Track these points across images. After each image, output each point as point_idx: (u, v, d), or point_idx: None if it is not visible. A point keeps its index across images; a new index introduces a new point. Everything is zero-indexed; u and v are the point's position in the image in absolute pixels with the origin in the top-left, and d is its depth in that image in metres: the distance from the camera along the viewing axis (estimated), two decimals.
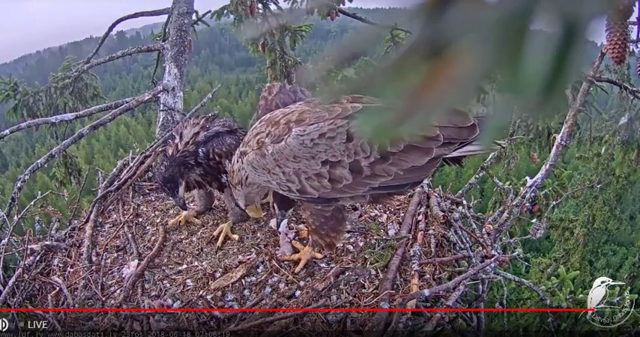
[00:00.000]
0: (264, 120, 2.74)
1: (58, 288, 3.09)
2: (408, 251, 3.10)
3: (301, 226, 3.45)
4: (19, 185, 3.91)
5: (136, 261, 3.25)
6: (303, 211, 3.01)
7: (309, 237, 3.02)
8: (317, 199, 2.63)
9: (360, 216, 3.61)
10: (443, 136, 2.41)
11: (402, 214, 3.57)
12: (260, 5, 6.29)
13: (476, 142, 2.50)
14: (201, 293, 2.96)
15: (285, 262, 3.14)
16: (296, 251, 3.19)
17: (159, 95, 5.00)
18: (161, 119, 4.92)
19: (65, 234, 3.62)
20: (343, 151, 2.42)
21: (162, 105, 4.94)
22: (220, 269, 3.14)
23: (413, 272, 2.89)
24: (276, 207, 2.99)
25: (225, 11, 6.31)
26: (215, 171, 3.28)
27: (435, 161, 2.47)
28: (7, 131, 4.39)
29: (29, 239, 3.33)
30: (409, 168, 2.43)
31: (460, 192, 4.00)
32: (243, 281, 3.03)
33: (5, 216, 3.68)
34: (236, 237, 3.44)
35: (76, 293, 3.03)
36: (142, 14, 5.89)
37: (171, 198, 3.37)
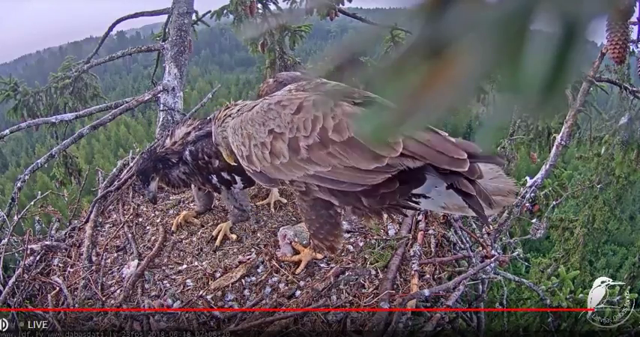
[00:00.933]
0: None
1: (58, 288, 3.09)
2: (408, 251, 3.11)
3: (300, 226, 3.45)
4: (19, 185, 3.91)
5: (136, 261, 3.25)
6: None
7: (310, 240, 3.02)
8: (260, 175, 2.52)
9: None
10: (406, 148, 2.04)
11: None
12: (260, 5, 6.29)
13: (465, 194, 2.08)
14: (201, 293, 2.96)
15: (285, 262, 3.15)
16: (296, 252, 3.19)
17: (159, 95, 5.00)
18: (161, 119, 4.92)
19: (65, 234, 3.62)
20: (287, 123, 2.30)
21: (162, 105, 4.94)
22: (220, 269, 3.14)
23: (413, 272, 2.89)
24: None
25: (225, 11, 6.31)
26: (204, 171, 3.24)
27: (387, 172, 2.12)
28: (7, 131, 4.39)
29: (29, 239, 3.33)
30: (351, 167, 2.18)
31: None
32: (243, 281, 3.03)
33: (5, 216, 3.69)
34: (234, 236, 3.44)
35: (76, 293, 3.03)
36: (142, 14, 5.89)
37: (145, 189, 3.35)
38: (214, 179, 3.27)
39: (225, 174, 3.25)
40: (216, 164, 3.19)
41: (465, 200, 2.10)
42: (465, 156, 2.00)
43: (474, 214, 2.19)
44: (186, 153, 3.21)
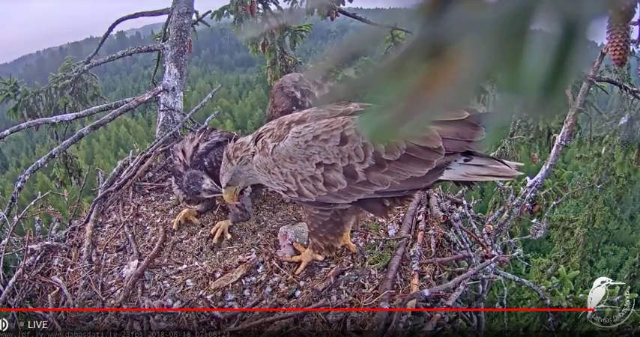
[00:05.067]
0: (278, 119, 2.78)
1: (58, 288, 3.09)
2: (408, 251, 3.10)
3: (300, 226, 3.45)
4: (19, 185, 3.90)
5: (136, 261, 3.25)
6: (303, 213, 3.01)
7: (309, 239, 3.02)
8: (315, 203, 2.62)
9: None
10: (446, 149, 2.31)
11: (402, 214, 3.56)
12: (260, 5, 6.29)
13: (483, 159, 2.42)
14: (201, 293, 2.96)
15: (286, 262, 3.15)
16: (297, 253, 3.19)
17: (159, 95, 4.99)
18: (161, 119, 4.92)
19: (65, 234, 3.62)
20: (337, 154, 2.40)
21: (162, 106, 4.94)
22: (220, 269, 3.14)
23: (413, 272, 2.89)
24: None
25: (225, 11, 6.31)
26: (217, 179, 3.33)
27: (437, 172, 2.37)
28: (7, 131, 4.38)
29: (29, 239, 3.33)
30: (408, 179, 2.37)
31: (460, 192, 4.00)
32: (243, 281, 3.03)
33: (5, 216, 3.68)
34: (229, 235, 3.45)
35: (76, 293, 3.03)
36: (142, 14, 5.88)
37: (200, 189, 3.29)
38: None
39: None
40: None
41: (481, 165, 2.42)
42: (483, 135, 2.30)
43: (497, 177, 2.50)
44: (206, 163, 3.34)
